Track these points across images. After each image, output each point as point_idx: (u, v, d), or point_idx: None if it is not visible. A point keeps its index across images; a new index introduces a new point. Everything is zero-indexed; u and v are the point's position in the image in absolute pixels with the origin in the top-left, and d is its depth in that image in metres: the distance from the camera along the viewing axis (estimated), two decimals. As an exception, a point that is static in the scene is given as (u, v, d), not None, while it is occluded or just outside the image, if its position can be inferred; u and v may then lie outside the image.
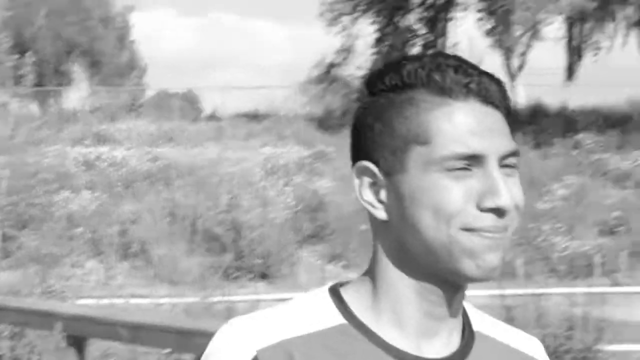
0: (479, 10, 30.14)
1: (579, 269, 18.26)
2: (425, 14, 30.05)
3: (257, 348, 1.30)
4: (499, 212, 1.30)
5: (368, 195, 1.37)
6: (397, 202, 1.34)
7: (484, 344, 1.43)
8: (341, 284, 1.41)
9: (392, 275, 1.37)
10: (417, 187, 1.32)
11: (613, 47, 41.94)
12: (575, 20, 38.73)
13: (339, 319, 1.35)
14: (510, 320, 10.77)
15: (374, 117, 1.37)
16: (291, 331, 1.32)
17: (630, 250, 18.13)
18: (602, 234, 20.13)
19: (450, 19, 30.93)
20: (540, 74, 60.75)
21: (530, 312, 10.88)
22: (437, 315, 1.37)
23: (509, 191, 1.30)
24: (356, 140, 1.41)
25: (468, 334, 1.42)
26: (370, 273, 1.40)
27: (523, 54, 36.16)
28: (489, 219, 1.31)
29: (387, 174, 1.35)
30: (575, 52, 41.37)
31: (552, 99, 36.30)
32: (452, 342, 1.39)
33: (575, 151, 25.16)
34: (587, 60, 41.46)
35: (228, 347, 1.32)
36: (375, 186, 1.37)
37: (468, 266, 1.31)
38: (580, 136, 26.57)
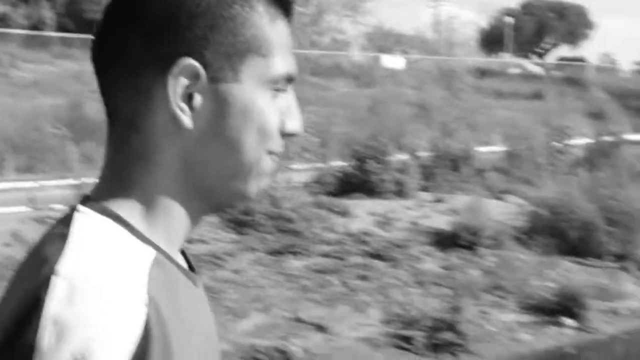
0: None
1: None
2: None
3: (144, 300, 1.14)
4: (291, 137, 1.34)
5: (180, 98, 1.26)
6: (219, 114, 1.27)
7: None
8: (103, 201, 1.27)
9: (171, 190, 1.29)
10: (251, 103, 1.28)
11: None
12: None
13: (149, 251, 1.24)
14: None
15: (212, 9, 1.27)
16: (140, 276, 1.17)
17: None
18: None
19: None
20: None
21: None
22: (189, 235, 1.37)
23: None
24: (169, 27, 1.26)
25: None
26: (133, 186, 1.29)
27: None
28: (282, 144, 1.34)
29: (213, 80, 1.27)
30: None
31: None
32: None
33: None
34: None
35: (116, 306, 1.12)
36: (187, 89, 1.27)
37: (252, 189, 1.33)
38: None
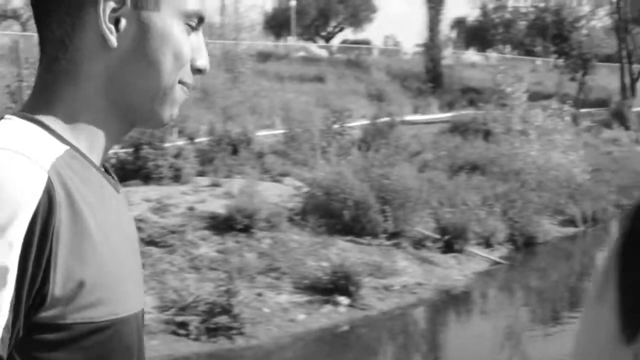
0: None
1: None
2: None
3: (45, 169, 1.29)
4: (200, 72, 1.53)
5: (108, 19, 1.41)
6: (141, 37, 1.43)
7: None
8: (31, 113, 1.41)
9: (94, 103, 1.44)
10: (168, 30, 1.45)
11: None
12: None
13: (64, 146, 1.37)
14: None
15: None
16: (46, 155, 1.32)
17: None
18: None
19: None
20: None
21: None
22: (110, 148, 1.52)
23: None
24: None
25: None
26: (59, 99, 1.43)
27: None
28: (192, 77, 1.52)
29: (137, 6, 1.43)
30: None
31: None
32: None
33: None
34: None
35: (15, 174, 1.26)
36: (114, 13, 1.41)
37: (166, 113, 1.50)
38: None
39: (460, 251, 15.55)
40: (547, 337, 12.11)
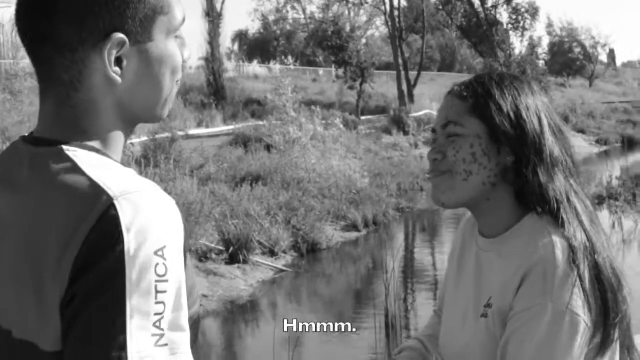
0: None
1: None
2: None
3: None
4: (185, 62, 1.74)
5: (113, 64, 1.59)
6: (142, 67, 1.63)
7: None
8: (75, 142, 1.59)
9: (114, 126, 1.65)
10: (164, 53, 1.65)
11: None
12: None
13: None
14: None
15: None
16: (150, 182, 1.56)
17: None
18: None
19: None
20: None
21: None
22: None
23: None
24: (93, 13, 1.56)
25: None
26: (90, 130, 1.62)
27: None
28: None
29: (135, 43, 1.60)
30: None
31: None
32: None
33: None
34: None
35: (172, 209, 1.51)
36: (116, 55, 1.59)
37: (165, 112, 1.73)
38: None
39: (245, 262, 15.70)
40: (331, 339, 12.35)
